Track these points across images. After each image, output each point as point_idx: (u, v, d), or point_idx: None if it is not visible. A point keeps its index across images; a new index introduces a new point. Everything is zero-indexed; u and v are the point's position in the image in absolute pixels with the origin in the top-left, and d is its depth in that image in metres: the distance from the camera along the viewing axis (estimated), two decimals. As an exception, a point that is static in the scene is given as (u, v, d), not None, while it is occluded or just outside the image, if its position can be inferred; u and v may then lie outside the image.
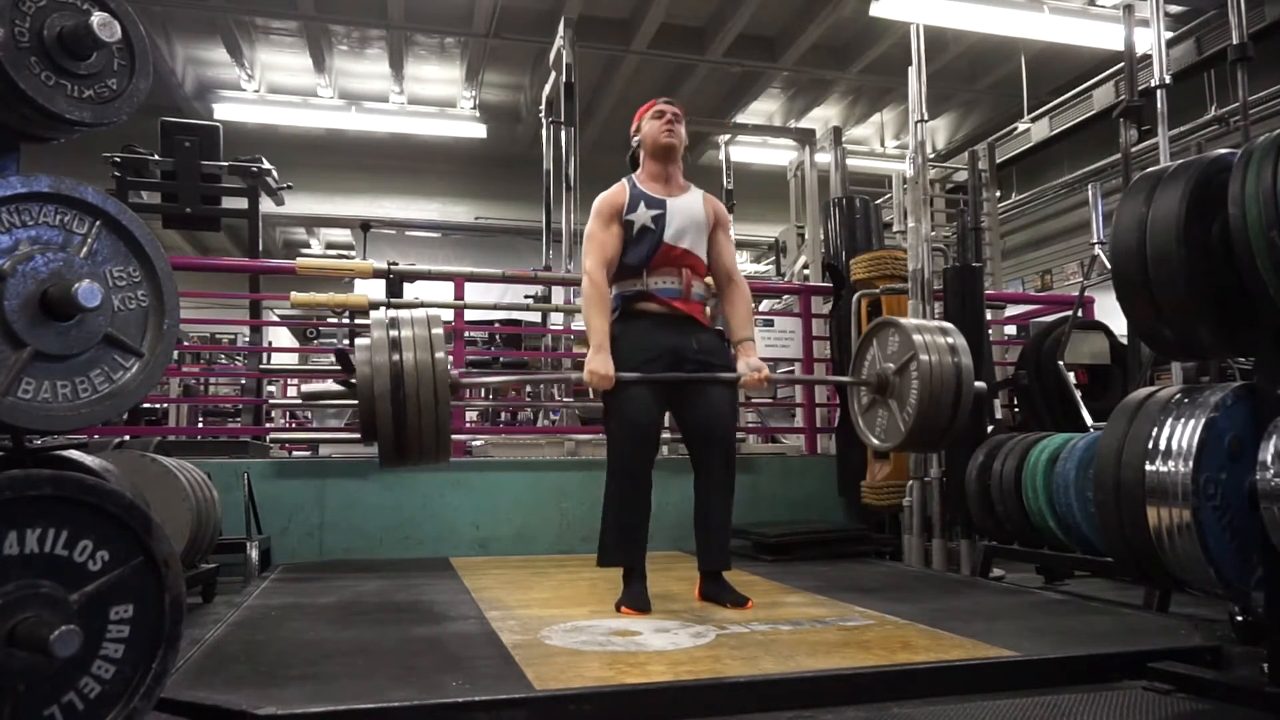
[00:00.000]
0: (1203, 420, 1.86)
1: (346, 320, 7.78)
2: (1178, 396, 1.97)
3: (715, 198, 3.07)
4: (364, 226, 10.67)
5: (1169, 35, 5.35)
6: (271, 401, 6.10)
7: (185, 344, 7.52)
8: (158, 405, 7.04)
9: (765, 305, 6.72)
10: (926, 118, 4.21)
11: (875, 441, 3.12)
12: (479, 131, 10.76)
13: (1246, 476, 1.84)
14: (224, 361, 9.52)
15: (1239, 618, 2.12)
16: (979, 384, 2.98)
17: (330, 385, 2.59)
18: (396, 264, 4.68)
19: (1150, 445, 1.93)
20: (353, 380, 2.53)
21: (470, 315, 5.36)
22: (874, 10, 6.71)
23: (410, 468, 2.62)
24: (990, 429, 3.98)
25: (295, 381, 9.40)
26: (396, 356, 2.47)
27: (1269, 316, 1.86)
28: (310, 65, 9.98)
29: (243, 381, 8.07)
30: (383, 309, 2.66)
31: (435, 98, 10.91)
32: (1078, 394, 3.93)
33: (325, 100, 10.64)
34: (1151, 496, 1.91)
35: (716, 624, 2.48)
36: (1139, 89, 3.90)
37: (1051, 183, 10.56)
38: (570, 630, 2.40)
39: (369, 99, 10.77)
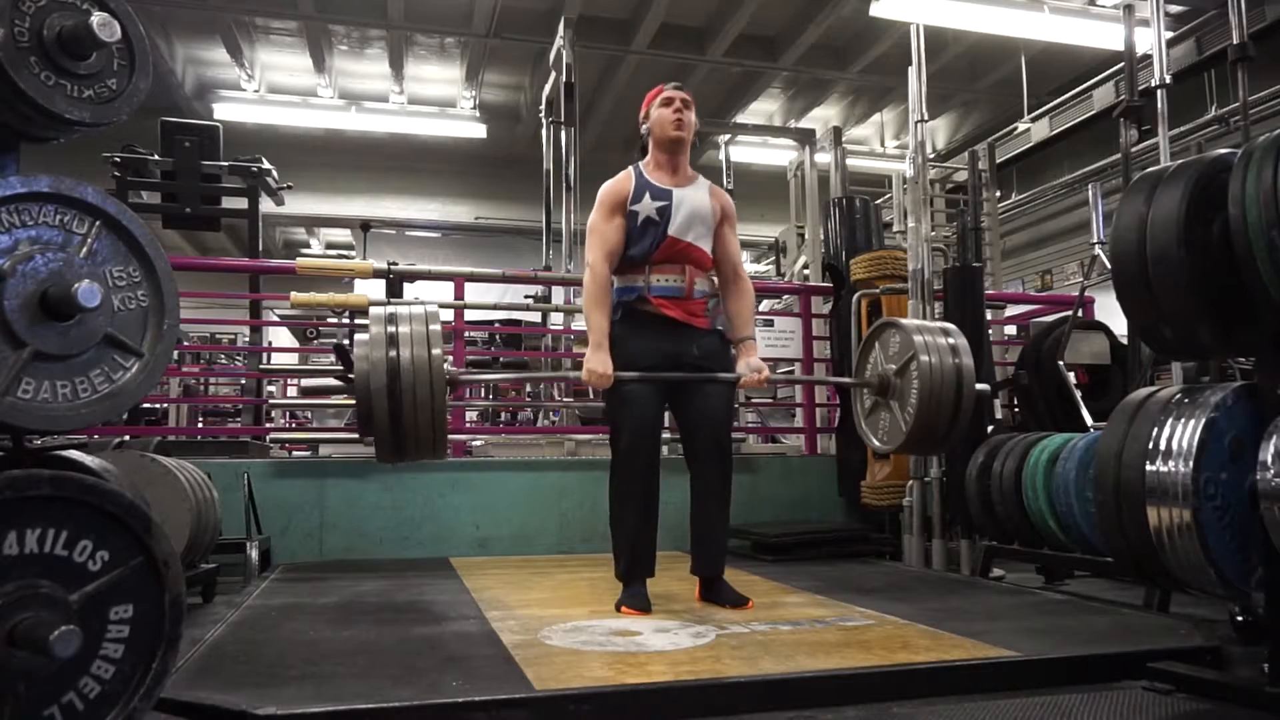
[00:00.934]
0: (1203, 420, 1.86)
1: (346, 320, 7.80)
2: (1178, 396, 1.97)
3: (723, 190, 3.02)
4: (364, 226, 10.67)
5: (1169, 35, 5.35)
6: (271, 401, 6.10)
7: (185, 344, 7.51)
8: (158, 405, 7.03)
9: (765, 305, 6.72)
10: (926, 118, 4.21)
11: (877, 444, 3.11)
12: (479, 131, 10.76)
13: (1247, 476, 1.84)
14: (224, 361, 9.52)
15: (1239, 618, 2.13)
16: (981, 385, 2.97)
17: (330, 380, 2.59)
18: (396, 264, 4.68)
19: (1150, 445, 1.93)
20: (351, 375, 2.53)
21: (470, 315, 5.36)
22: (874, 10, 6.71)
23: (407, 463, 2.62)
24: (990, 429, 3.98)
25: (295, 381, 9.40)
26: (394, 352, 2.47)
27: (1269, 316, 1.86)
28: (310, 65, 9.98)
29: (243, 381, 8.06)
30: (382, 306, 2.66)
31: (435, 98, 10.90)
32: (1078, 394, 3.93)
33: (325, 100, 10.64)
34: (1152, 496, 1.91)
35: (716, 624, 2.48)
36: (1139, 89, 3.90)
37: (1051, 183, 10.55)
38: (570, 630, 2.40)
39: (369, 99, 10.77)
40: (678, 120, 2.84)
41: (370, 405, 2.45)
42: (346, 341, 7.57)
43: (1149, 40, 3.77)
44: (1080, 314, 4.23)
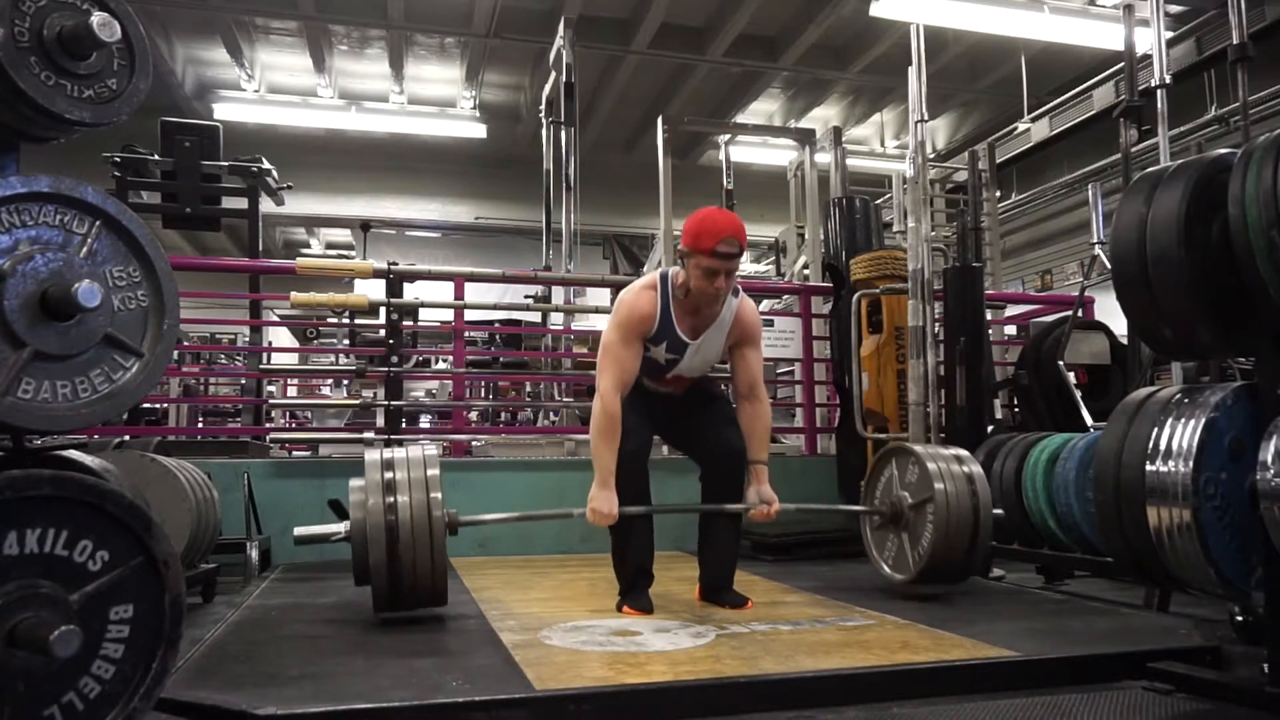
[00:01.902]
0: (1203, 420, 1.86)
1: (346, 320, 7.81)
2: (1178, 396, 1.97)
3: (750, 308, 2.85)
4: (364, 226, 10.68)
5: (1169, 35, 5.35)
6: (271, 401, 6.10)
7: (185, 344, 7.52)
8: (158, 405, 7.04)
9: (765, 305, 6.72)
10: (926, 118, 4.21)
11: (886, 569, 3.07)
12: (479, 131, 10.76)
13: (1247, 476, 1.84)
14: (224, 361, 9.52)
15: (1239, 618, 2.13)
16: (997, 511, 2.92)
17: (324, 529, 2.53)
18: (396, 264, 4.68)
19: (1150, 445, 1.93)
20: (346, 529, 2.47)
21: (470, 315, 5.36)
22: (874, 10, 6.71)
23: (405, 611, 2.54)
24: (990, 429, 3.98)
25: (295, 381, 9.41)
26: (391, 498, 2.40)
27: (1269, 316, 1.86)
28: (310, 65, 9.98)
29: (243, 381, 8.07)
30: (377, 452, 2.57)
31: (435, 98, 10.90)
32: (1078, 394, 3.93)
33: (325, 100, 10.64)
34: (1151, 496, 1.91)
35: (716, 624, 2.48)
36: (1139, 89, 3.90)
37: (1051, 183, 10.55)
38: (570, 630, 2.40)
39: (369, 99, 10.77)
40: (716, 293, 2.65)
41: (368, 557, 2.39)
42: (346, 343, 7.57)
43: (1149, 40, 3.77)
44: (1080, 314, 4.23)
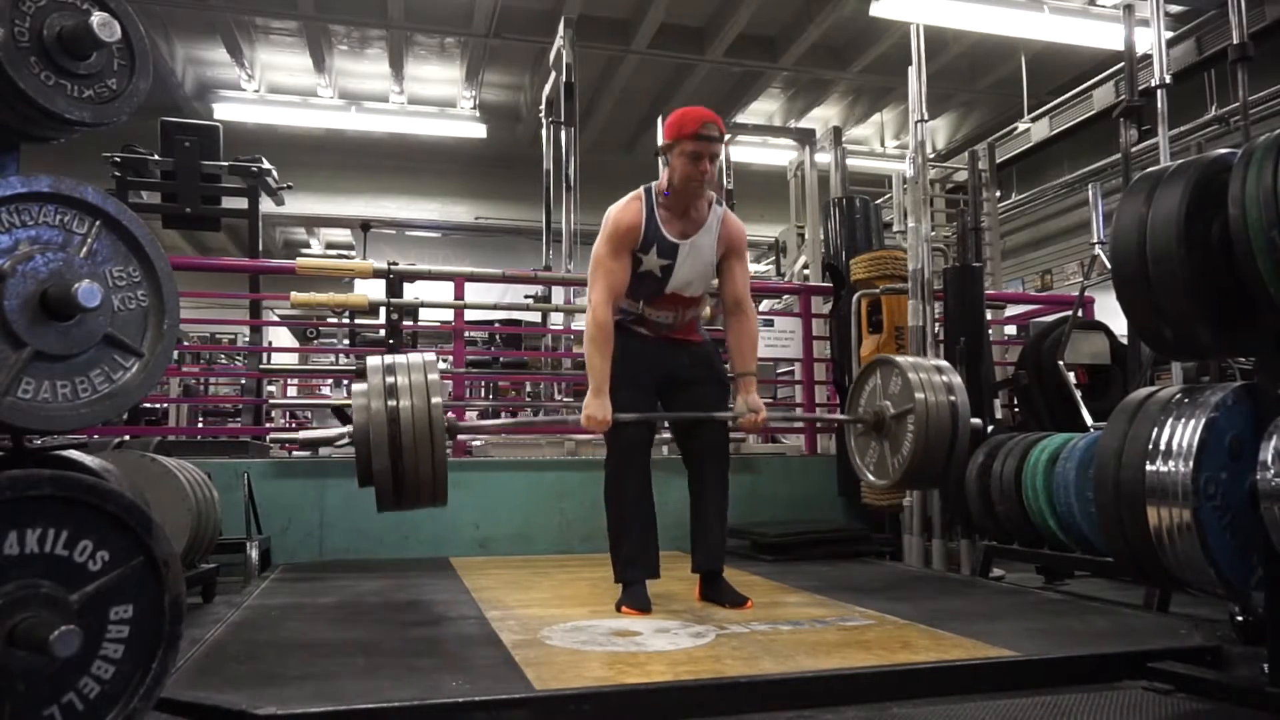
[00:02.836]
0: (1203, 420, 1.86)
1: (346, 320, 7.80)
2: (1178, 396, 1.97)
3: (735, 220, 2.91)
4: (364, 226, 10.67)
5: (1169, 35, 5.35)
6: (271, 401, 6.10)
7: (185, 344, 7.52)
8: (158, 405, 7.04)
9: (765, 305, 6.72)
10: (926, 118, 4.21)
11: (869, 476, 3.12)
12: (479, 131, 10.76)
13: (1247, 476, 1.84)
14: (224, 361, 9.52)
15: (1239, 618, 2.13)
16: (975, 420, 2.99)
17: (328, 431, 2.58)
18: (396, 264, 4.68)
19: (1150, 445, 1.93)
20: (349, 431, 2.52)
21: (470, 315, 5.36)
22: (874, 10, 6.71)
23: (407, 509, 2.62)
24: (990, 429, 3.98)
25: (295, 381, 9.41)
26: (393, 402, 2.45)
27: (1269, 316, 1.86)
28: (310, 65, 9.98)
29: (243, 381, 8.07)
30: (379, 357, 2.64)
31: (435, 98, 10.90)
32: (1078, 394, 3.93)
33: (325, 100, 10.64)
34: (1151, 496, 1.91)
35: (716, 624, 2.48)
36: (1139, 89, 3.90)
37: (1051, 183, 10.55)
38: (570, 630, 2.40)
39: (369, 99, 10.77)
40: (701, 176, 2.69)
41: (370, 457, 2.44)
42: (346, 342, 7.57)
43: (1149, 40, 3.77)
44: (1080, 314, 4.23)
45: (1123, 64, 4.14)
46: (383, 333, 4.70)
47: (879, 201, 6.97)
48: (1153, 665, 2.04)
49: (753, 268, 13.13)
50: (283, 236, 15.19)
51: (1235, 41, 3.37)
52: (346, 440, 2.55)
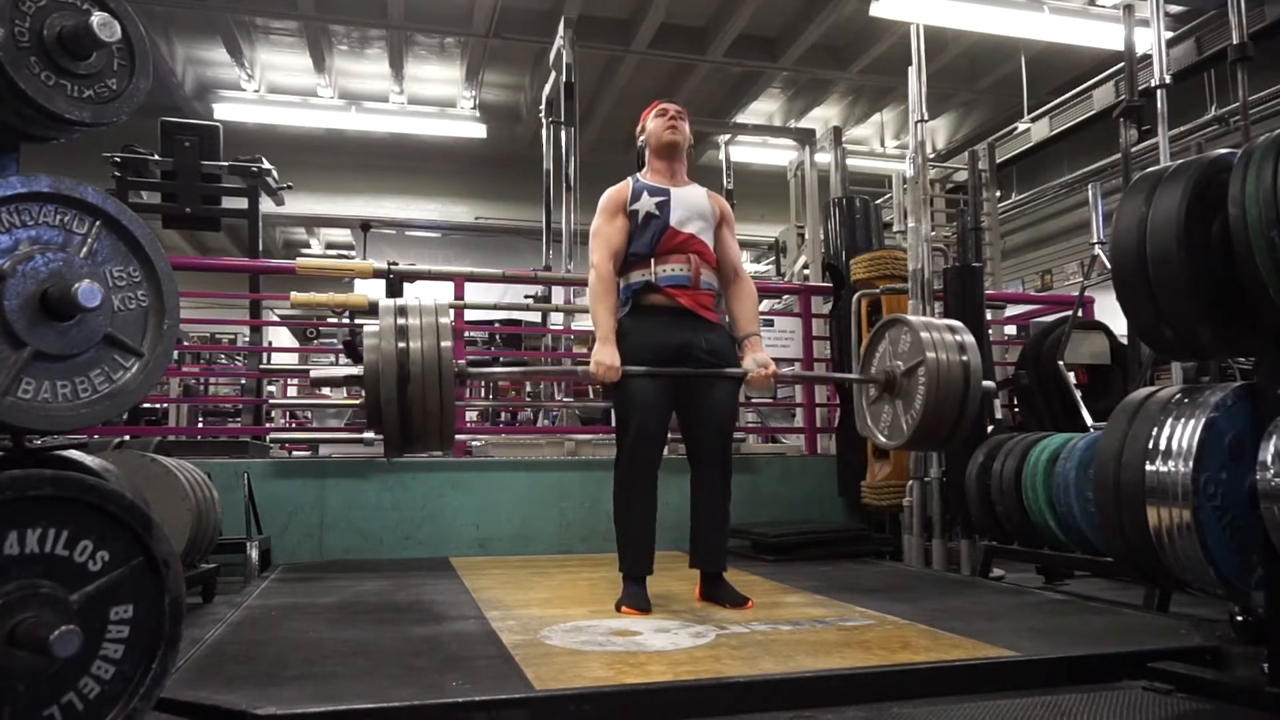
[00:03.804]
0: (1203, 420, 1.86)
1: (346, 320, 7.80)
2: (1178, 396, 1.97)
3: (719, 195, 3.09)
4: (364, 226, 10.67)
5: (1169, 35, 5.35)
6: (271, 401, 6.09)
7: (185, 344, 7.51)
8: (158, 405, 7.03)
9: (765, 305, 6.72)
10: (926, 118, 4.21)
11: (881, 439, 3.11)
12: (479, 131, 10.76)
13: (1246, 476, 1.84)
14: (224, 361, 9.52)
15: (1239, 618, 2.12)
16: (987, 383, 2.97)
17: (339, 370, 2.57)
18: (396, 264, 4.68)
19: (1150, 445, 1.93)
20: (359, 370, 2.53)
21: (470, 315, 5.36)
22: (874, 10, 6.70)
23: (411, 455, 2.62)
24: (990, 429, 3.98)
25: (295, 381, 9.40)
26: (404, 344, 2.47)
27: (1269, 316, 1.85)
28: (310, 65, 9.98)
29: (243, 381, 8.07)
30: (391, 300, 2.65)
31: (435, 98, 10.90)
32: (1078, 394, 3.93)
33: (325, 100, 10.64)
34: (1151, 496, 1.91)
35: (716, 624, 2.48)
36: (1139, 89, 3.90)
37: (1051, 183, 10.55)
38: (570, 630, 2.40)
39: (369, 99, 10.77)
40: (672, 127, 2.95)
41: (379, 397, 2.45)
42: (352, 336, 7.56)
43: (1149, 40, 3.77)
44: (1080, 314, 4.23)
45: (1123, 64, 4.14)
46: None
47: (879, 201, 6.98)
48: (1153, 665, 2.04)
49: (753, 268, 13.21)
50: (283, 236, 15.19)
51: (1235, 41, 3.37)
52: (357, 376, 2.54)
